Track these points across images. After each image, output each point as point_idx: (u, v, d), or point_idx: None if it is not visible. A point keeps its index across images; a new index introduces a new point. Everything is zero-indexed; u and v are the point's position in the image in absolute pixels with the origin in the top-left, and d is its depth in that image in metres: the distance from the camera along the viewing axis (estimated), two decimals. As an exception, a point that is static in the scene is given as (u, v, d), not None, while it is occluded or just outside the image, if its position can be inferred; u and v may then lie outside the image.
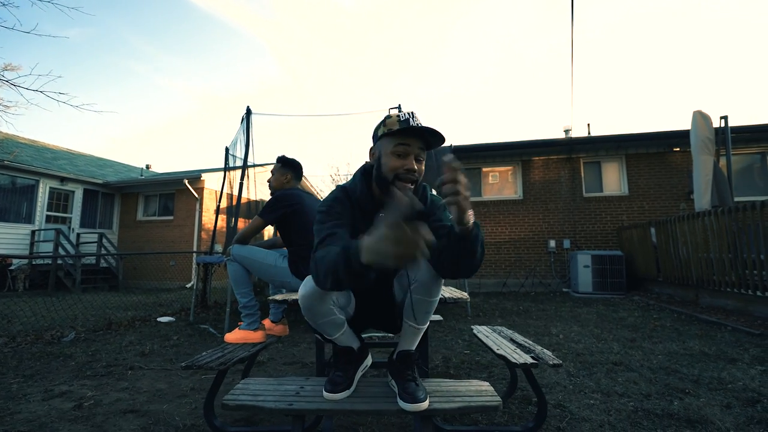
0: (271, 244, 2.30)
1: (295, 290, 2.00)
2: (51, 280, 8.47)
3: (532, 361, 1.42)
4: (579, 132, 12.13)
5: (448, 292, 1.62)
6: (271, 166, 2.30)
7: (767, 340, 2.96)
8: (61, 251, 8.69)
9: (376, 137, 1.19)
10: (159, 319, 4.59)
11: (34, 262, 8.68)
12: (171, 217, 10.46)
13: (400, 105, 4.20)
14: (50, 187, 9.54)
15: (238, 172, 4.65)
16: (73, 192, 10.04)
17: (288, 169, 2.18)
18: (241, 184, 4.04)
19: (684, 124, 10.56)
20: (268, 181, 2.23)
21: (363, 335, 3.64)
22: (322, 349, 1.66)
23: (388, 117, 1.16)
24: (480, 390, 1.16)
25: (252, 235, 2.06)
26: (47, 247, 8.95)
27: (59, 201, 9.80)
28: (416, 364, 1.21)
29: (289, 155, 2.27)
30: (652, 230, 5.75)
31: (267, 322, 2.15)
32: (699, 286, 4.61)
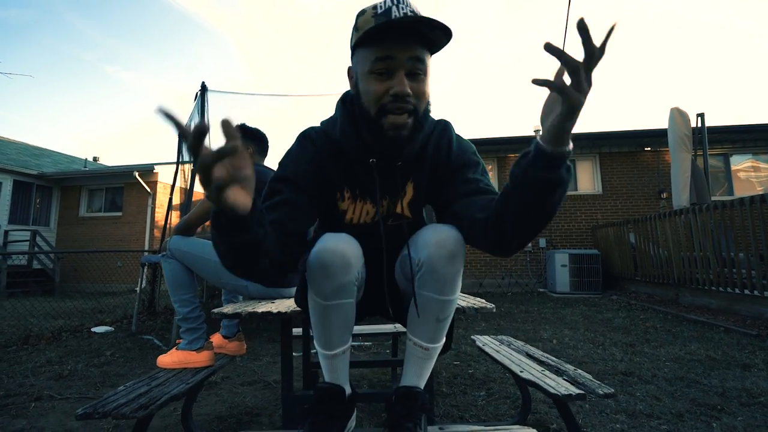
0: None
1: (255, 297, 1.53)
2: (-30, 285, 7.33)
3: (577, 391, 1.05)
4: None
5: (462, 299, 1.23)
6: None
7: None
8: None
9: (352, 50, 0.78)
10: (93, 330, 3.90)
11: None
12: (119, 213, 9.46)
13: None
14: (-29, 178, 8.31)
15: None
16: (0, 183, 8.81)
17: (249, 141, 1.71)
18: (193, 173, 3.46)
19: (654, 123, 10.90)
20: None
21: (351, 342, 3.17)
22: (290, 368, 1.21)
23: (362, 13, 0.74)
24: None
25: (198, 224, 1.57)
26: (-34, 247, 7.76)
27: (-18, 193, 8.57)
28: (425, 411, 0.80)
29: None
30: (629, 229, 5.70)
31: (217, 338, 1.67)
32: (680, 285, 4.54)
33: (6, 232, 8.66)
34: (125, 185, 9.44)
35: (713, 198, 6.22)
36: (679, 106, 5.11)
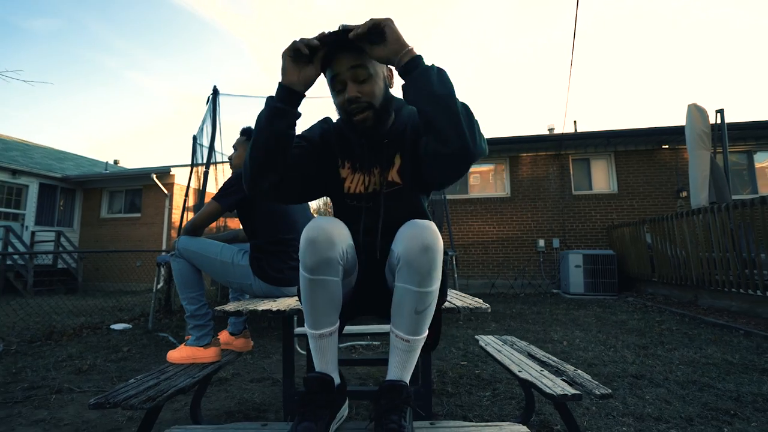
0: (231, 237, 1.86)
1: (259, 296, 1.57)
2: (-1, 283, 7.66)
3: (573, 391, 1.04)
4: (566, 130, 12.05)
5: (458, 299, 1.24)
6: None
7: (787, 345, 2.72)
8: (11, 251, 7.88)
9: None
10: (112, 327, 4.04)
11: (-20, 263, 7.83)
12: (138, 215, 9.73)
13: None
14: (0, 181, 8.69)
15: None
16: (27, 186, 9.18)
17: None
18: (206, 174, 3.56)
19: (673, 120, 10.56)
20: (230, 158, 1.81)
21: (344, 344, 3.17)
22: (291, 367, 1.24)
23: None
24: (521, 444, 0.78)
25: (205, 224, 1.62)
26: (-4, 247, 8.11)
27: (10, 196, 8.94)
28: (409, 404, 0.82)
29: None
30: (645, 229, 5.57)
31: (224, 335, 1.72)
32: (698, 287, 4.41)
33: (33, 233, 9.02)
34: (144, 187, 9.71)
35: (735, 197, 6.01)
36: (697, 102, 4.97)
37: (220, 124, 3.57)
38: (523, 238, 7.34)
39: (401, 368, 0.84)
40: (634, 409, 1.75)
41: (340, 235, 0.84)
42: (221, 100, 3.72)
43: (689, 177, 4.91)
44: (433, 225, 0.83)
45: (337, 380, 0.88)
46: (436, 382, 2.23)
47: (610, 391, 1.05)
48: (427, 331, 0.85)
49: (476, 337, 1.85)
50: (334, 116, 1.05)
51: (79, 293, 8.12)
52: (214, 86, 3.60)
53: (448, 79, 0.82)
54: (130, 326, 4.11)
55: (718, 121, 5.41)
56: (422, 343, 0.85)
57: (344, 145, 1.01)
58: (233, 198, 1.57)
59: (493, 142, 7.37)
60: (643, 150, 7.18)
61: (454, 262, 4.89)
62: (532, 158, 7.60)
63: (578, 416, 1.69)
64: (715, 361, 2.43)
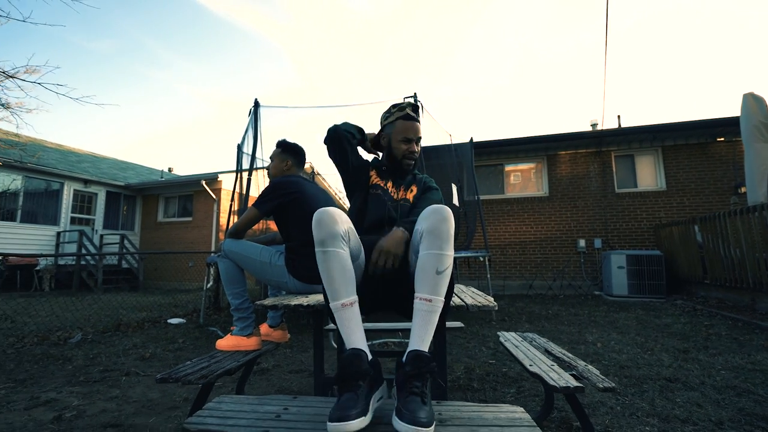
0: (270, 239, 2.06)
1: (293, 292, 1.75)
2: (75, 281, 8.62)
3: (575, 384, 1.11)
4: (609, 125, 11.48)
5: (470, 297, 1.33)
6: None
7: None
8: (84, 253, 8.83)
9: (385, 122, 1.52)
10: (169, 321, 4.47)
11: (59, 263, 8.86)
12: (190, 218, 10.51)
13: (415, 93, 3.93)
14: (74, 190, 9.75)
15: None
16: (96, 194, 10.23)
17: (288, 154, 1.94)
18: (249, 180, 3.86)
19: (728, 112, 9.75)
20: (267, 169, 2.01)
21: (378, 341, 3.33)
22: (321, 354, 1.40)
23: (399, 107, 1.49)
24: (513, 419, 0.88)
25: (245, 228, 1.82)
26: (72, 249, 9.12)
27: (83, 203, 10.01)
28: (431, 374, 0.91)
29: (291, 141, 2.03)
30: (696, 228, 5.23)
31: (264, 327, 1.91)
32: (756, 290, 4.10)
33: (101, 236, 10.04)
34: (194, 193, 10.48)
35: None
36: (754, 91, 4.61)
37: (261, 133, 3.88)
38: (562, 238, 7.13)
39: (421, 337, 0.95)
40: (662, 410, 1.73)
41: (341, 216, 1.05)
42: (261, 111, 4.03)
43: (745, 172, 4.56)
44: (445, 206, 1.05)
45: (369, 356, 0.99)
46: (463, 378, 2.31)
47: (613, 384, 1.10)
48: (444, 296, 1.00)
49: (498, 333, 1.91)
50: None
51: (141, 291, 8.93)
52: (255, 99, 3.91)
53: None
54: (185, 321, 4.52)
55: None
56: (440, 308, 0.99)
57: (380, 169, 1.53)
58: (269, 205, 1.76)
59: (530, 141, 7.24)
60: (694, 144, 6.72)
61: (487, 264, 4.88)
62: (571, 156, 7.36)
63: (601, 414, 1.71)
64: (763, 367, 2.31)
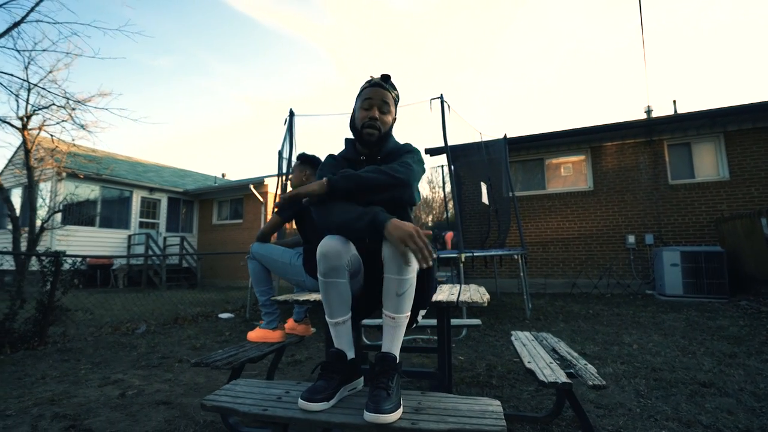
0: (295, 242, 2.25)
1: (311, 290, 1.91)
2: (143, 279, 9.61)
3: (564, 380, 1.14)
4: (662, 112, 10.60)
5: (464, 294, 1.40)
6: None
7: None
8: (151, 254, 9.80)
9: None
10: (220, 316, 4.89)
11: (131, 263, 9.92)
12: (240, 221, 11.26)
13: (442, 94, 3.96)
14: (142, 197, 10.85)
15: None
16: (160, 200, 11.30)
17: (306, 165, 2.12)
18: (285, 186, 4.14)
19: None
20: (289, 180, 2.19)
21: (409, 336, 3.43)
22: (331, 344, 1.54)
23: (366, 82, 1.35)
24: (485, 411, 0.94)
25: (270, 233, 2.02)
26: (141, 250, 10.17)
27: (149, 208, 11.11)
28: (397, 372, 1.05)
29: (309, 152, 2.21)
30: (763, 220, 4.73)
31: (290, 322, 2.10)
32: (832, 289, 3.65)
33: (164, 238, 11.08)
34: (244, 197, 11.22)
35: None
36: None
37: (295, 140, 4.14)
38: (609, 234, 6.75)
39: (390, 342, 1.07)
40: (685, 415, 1.67)
41: (345, 249, 1.11)
42: (296, 120, 4.30)
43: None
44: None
45: (350, 356, 1.14)
46: (483, 375, 2.35)
47: (604, 382, 1.12)
48: (408, 312, 1.09)
49: (511, 332, 1.94)
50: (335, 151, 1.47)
51: (198, 288, 9.75)
52: (290, 109, 4.18)
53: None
54: (233, 316, 4.92)
55: None
56: (405, 322, 1.09)
57: (350, 164, 1.33)
58: (290, 211, 1.94)
59: (572, 133, 6.93)
60: (763, 128, 6.05)
61: (522, 261, 4.77)
62: (618, 147, 6.94)
63: (617, 416, 1.69)
64: (819, 374, 2.11)
